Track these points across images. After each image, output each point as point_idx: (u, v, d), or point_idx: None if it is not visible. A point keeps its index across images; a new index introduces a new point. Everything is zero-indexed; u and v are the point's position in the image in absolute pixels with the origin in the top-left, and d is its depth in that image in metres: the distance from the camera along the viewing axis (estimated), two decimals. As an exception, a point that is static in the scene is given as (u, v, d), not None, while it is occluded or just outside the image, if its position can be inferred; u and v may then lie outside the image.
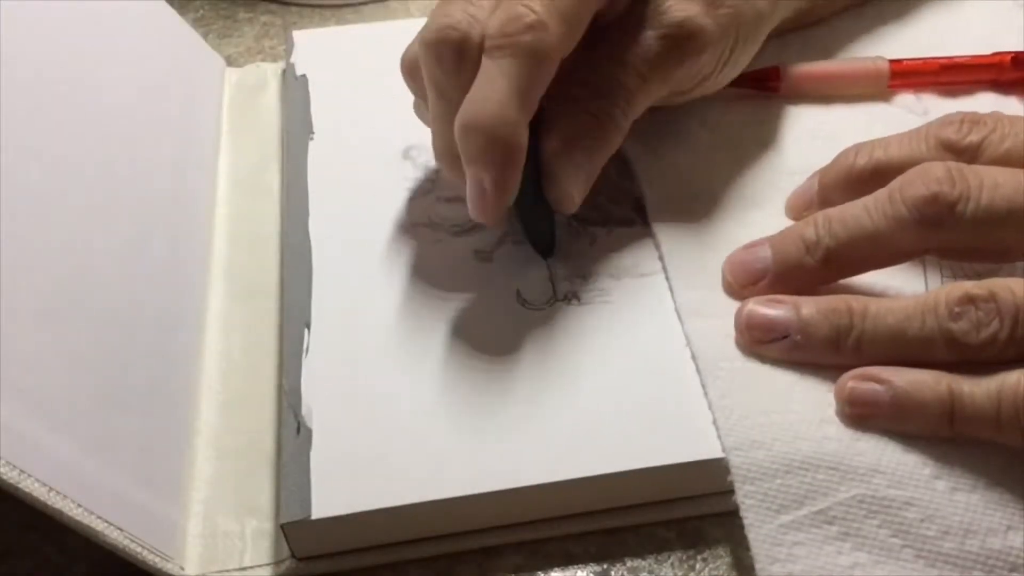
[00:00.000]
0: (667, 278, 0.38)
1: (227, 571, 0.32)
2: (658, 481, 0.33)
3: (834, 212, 0.35)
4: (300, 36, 0.51)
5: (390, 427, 0.33)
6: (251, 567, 0.32)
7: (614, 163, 0.43)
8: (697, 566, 0.33)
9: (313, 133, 0.45)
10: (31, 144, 0.34)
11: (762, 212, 0.40)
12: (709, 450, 0.32)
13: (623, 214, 0.41)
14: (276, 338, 0.39)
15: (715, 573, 0.32)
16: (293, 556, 0.32)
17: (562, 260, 0.39)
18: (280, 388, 0.35)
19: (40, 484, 0.28)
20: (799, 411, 0.33)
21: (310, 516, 0.31)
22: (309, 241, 0.39)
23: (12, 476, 0.27)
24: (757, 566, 0.30)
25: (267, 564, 0.32)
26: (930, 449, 0.32)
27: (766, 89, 0.44)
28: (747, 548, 0.31)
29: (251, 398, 0.37)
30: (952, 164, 0.33)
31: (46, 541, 0.34)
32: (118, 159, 0.39)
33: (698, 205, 0.40)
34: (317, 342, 0.36)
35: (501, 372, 0.35)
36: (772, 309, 0.34)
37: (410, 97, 0.47)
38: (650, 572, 0.32)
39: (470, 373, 0.35)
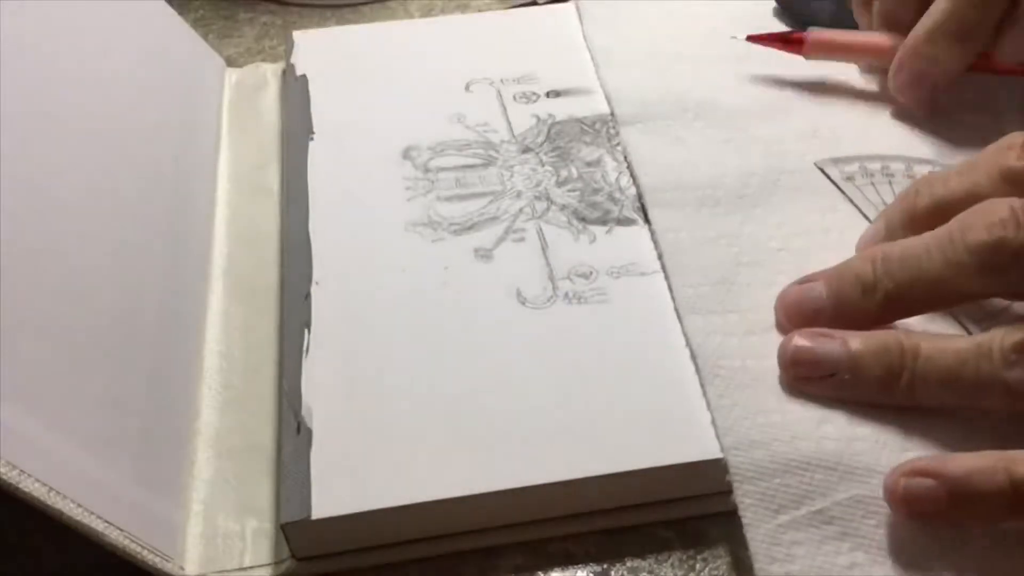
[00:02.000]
0: (666, 276, 0.38)
1: (227, 571, 0.32)
2: (658, 481, 0.33)
3: (893, 251, 0.33)
4: (300, 36, 0.51)
5: (390, 427, 0.33)
6: (251, 567, 0.32)
7: (613, 163, 0.43)
8: (697, 566, 0.33)
9: (313, 133, 0.45)
10: (31, 145, 0.34)
11: (761, 210, 0.40)
12: (709, 450, 0.32)
13: (622, 213, 0.41)
14: (276, 338, 0.39)
15: (715, 573, 0.32)
16: (293, 556, 0.32)
17: (562, 259, 0.39)
18: (280, 388, 0.35)
19: (40, 484, 0.28)
20: (798, 411, 0.33)
21: (310, 516, 0.31)
22: (309, 240, 0.39)
23: (12, 476, 0.27)
24: (756, 565, 0.30)
25: (267, 564, 0.32)
26: (928, 450, 0.32)
27: (791, 48, 0.44)
28: (747, 548, 0.31)
29: (251, 398, 0.37)
30: (1016, 203, 0.31)
31: (46, 541, 0.33)
32: (118, 159, 0.39)
33: (697, 203, 0.40)
34: (317, 342, 0.36)
35: (501, 371, 0.35)
36: (820, 345, 0.33)
37: (409, 98, 0.47)
38: (650, 572, 0.32)
39: (470, 372, 0.35)
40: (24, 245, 0.31)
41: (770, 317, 0.36)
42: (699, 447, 0.32)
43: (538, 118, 0.46)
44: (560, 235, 0.40)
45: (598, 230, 0.40)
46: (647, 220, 0.40)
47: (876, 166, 0.41)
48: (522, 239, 0.40)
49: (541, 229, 0.40)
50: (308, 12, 0.56)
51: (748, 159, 0.42)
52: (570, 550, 0.33)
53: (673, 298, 0.37)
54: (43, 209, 0.33)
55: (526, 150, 0.44)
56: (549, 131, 0.45)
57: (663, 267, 0.38)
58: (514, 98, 0.47)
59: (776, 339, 0.35)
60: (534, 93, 0.47)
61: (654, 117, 0.44)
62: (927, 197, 0.35)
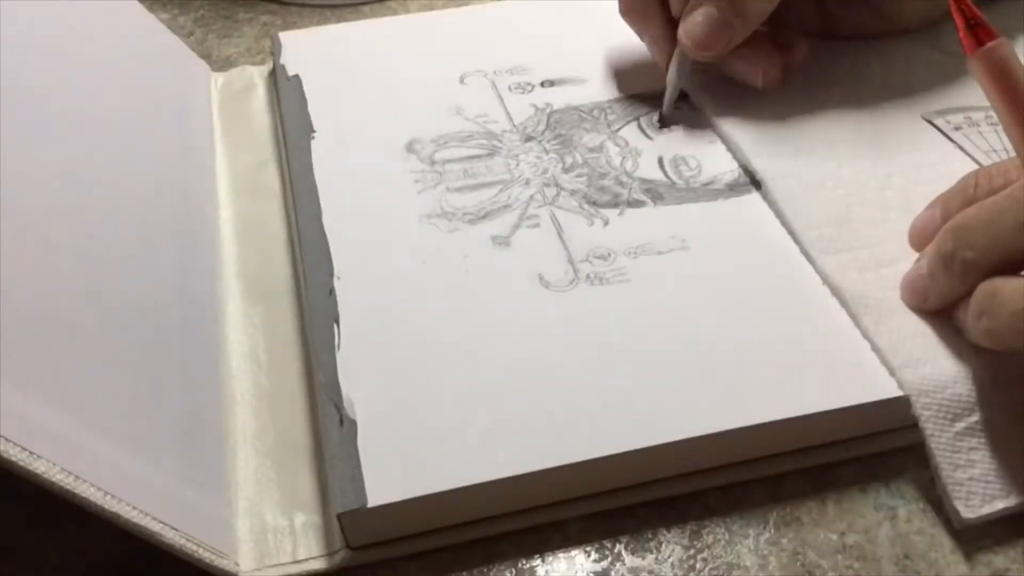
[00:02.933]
0: (784, 223, 0.40)
1: (281, 564, 0.32)
2: (677, 455, 0.33)
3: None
4: (286, 37, 0.51)
5: (433, 413, 0.33)
6: (304, 559, 0.32)
7: (615, 148, 0.44)
8: (697, 565, 0.32)
9: (315, 132, 0.45)
10: (41, 153, 0.34)
11: (852, 154, 0.42)
12: (730, 422, 0.33)
13: (632, 196, 0.41)
14: (298, 336, 0.39)
15: (715, 572, 0.32)
16: (347, 546, 0.32)
17: (578, 242, 0.39)
18: (316, 383, 0.35)
19: (96, 489, 0.28)
20: (951, 331, 0.34)
21: (366, 504, 0.31)
22: (326, 237, 0.39)
23: (68, 482, 0.27)
24: (942, 475, 0.32)
25: (320, 556, 0.32)
26: None
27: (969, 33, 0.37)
28: (747, 548, 0.32)
29: (281, 396, 0.37)
30: None
31: (46, 541, 0.33)
32: (123, 169, 0.39)
33: (793, 152, 0.42)
34: (347, 336, 0.36)
35: (534, 352, 0.35)
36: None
37: (404, 93, 0.48)
38: (650, 572, 0.32)
39: (506, 355, 0.35)
40: (58, 258, 0.31)
41: (894, 250, 0.37)
42: (719, 420, 0.33)
43: (536, 107, 0.46)
44: (574, 220, 0.40)
45: (610, 213, 0.41)
46: (655, 202, 0.41)
47: (980, 116, 0.43)
48: (537, 225, 0.40)
49: (554, 214, 0.41)
50: (308, 12, 0.56)
51: (827, 111, 0.44)
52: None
53: (798, 243, 0.39)
54: (65, 222, 0.33)
55: (528, 139, 0.44)
56: (549, 119, 0.45)
57: (779, 215, 0.40)
58: (509, 88, 0.47)
59: (904, 270, 0.36)
60: (528, 83, 0.48)
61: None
62: (986, 190, 0.35)
